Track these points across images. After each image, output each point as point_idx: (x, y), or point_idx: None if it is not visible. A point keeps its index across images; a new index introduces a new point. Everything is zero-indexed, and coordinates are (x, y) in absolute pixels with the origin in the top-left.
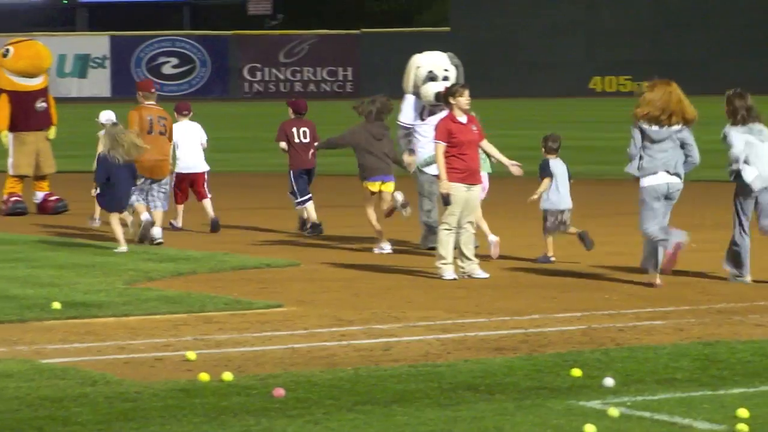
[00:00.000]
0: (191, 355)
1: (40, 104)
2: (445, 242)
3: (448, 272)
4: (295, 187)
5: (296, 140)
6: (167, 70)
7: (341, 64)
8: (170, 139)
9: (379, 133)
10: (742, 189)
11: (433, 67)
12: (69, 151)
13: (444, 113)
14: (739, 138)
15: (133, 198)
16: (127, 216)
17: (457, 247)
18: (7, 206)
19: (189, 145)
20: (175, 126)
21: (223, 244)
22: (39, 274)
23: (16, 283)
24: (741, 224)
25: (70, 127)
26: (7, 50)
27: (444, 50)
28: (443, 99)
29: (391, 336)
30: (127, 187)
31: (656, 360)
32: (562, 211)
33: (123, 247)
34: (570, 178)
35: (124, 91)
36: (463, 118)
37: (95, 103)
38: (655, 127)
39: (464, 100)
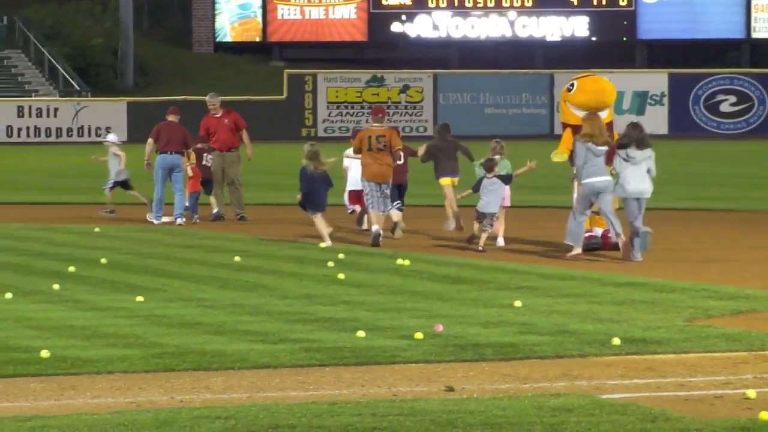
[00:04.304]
0: (751, 393)
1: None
2: None
3: None
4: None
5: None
6: (725, 108)
7: None
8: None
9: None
10: None
11: None
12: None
13: None
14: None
15: (369, 204)
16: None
17: None
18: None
19: None
20: None
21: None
22: (598, 309)
23: (575, 318)
24: None
25: None
26: (572, 85)
27: None
28: None
29: None
30: (322, 191)
31: None
32: (492, 214)
33: (328, 242)
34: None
35: (681, 128)
36: None
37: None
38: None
39: None
